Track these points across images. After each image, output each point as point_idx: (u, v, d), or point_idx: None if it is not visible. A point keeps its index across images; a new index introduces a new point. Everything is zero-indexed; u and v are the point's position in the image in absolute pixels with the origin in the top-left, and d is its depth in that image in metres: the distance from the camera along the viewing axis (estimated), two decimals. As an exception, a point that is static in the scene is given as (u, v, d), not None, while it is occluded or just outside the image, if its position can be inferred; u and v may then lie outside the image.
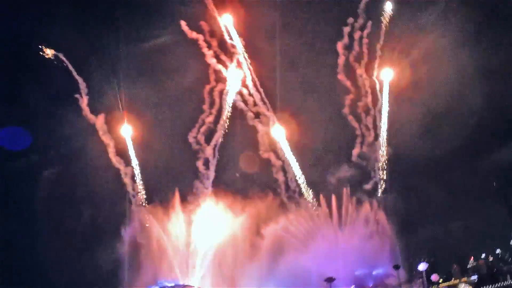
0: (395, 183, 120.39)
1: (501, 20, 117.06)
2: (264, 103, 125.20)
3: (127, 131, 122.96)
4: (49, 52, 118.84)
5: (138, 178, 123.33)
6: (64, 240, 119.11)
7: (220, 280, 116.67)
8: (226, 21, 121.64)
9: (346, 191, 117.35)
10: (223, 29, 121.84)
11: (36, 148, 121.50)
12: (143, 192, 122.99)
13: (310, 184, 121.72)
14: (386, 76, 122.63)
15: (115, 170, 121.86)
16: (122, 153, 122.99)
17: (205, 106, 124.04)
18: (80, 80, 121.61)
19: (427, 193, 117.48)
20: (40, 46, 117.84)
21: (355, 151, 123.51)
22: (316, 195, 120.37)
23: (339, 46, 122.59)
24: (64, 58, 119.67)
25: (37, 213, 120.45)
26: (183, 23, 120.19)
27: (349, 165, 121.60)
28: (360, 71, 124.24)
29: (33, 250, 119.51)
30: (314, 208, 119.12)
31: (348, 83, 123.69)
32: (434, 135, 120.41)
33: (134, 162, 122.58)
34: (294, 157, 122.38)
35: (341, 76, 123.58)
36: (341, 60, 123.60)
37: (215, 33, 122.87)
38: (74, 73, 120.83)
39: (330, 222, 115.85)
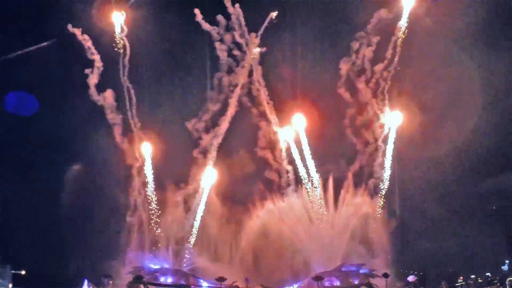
0: (395, 196, 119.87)
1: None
2: (268, 103, 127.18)
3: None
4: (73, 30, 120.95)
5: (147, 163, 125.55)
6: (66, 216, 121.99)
7: (210, 268, 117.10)
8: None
9: (349, 176, 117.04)
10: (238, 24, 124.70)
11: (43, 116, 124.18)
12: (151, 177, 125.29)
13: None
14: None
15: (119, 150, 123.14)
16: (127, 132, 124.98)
17: (212, 95, 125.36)
18: (97, 57, 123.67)
19: (426, 209, 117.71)
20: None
21: (355, 164, 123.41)
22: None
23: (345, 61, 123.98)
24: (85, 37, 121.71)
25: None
26: (197, 12, 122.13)
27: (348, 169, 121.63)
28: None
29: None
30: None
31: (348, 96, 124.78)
32: (437, 154, 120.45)
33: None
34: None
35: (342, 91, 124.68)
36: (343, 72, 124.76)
37: (230, 29, 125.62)
38: (93, 50, 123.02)
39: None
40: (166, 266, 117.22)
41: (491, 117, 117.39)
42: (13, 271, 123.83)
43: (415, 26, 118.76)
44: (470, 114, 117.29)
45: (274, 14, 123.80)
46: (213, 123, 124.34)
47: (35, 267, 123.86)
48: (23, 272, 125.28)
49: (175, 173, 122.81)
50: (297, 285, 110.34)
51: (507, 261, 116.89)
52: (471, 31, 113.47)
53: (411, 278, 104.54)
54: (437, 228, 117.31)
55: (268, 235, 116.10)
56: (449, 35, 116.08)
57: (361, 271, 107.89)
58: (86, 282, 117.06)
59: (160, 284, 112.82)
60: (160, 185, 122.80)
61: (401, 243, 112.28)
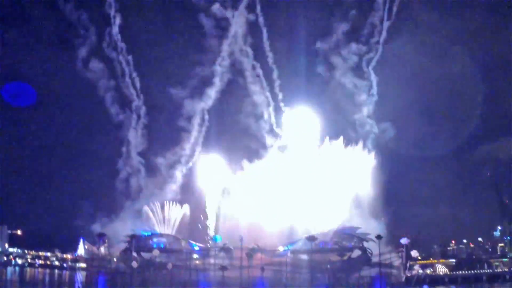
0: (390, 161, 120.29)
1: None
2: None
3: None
4: None
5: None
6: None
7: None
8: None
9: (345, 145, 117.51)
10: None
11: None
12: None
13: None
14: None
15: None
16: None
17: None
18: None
19: (421, 173, 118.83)
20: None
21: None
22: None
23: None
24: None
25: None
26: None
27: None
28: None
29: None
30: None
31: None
32: (432, 119, 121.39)
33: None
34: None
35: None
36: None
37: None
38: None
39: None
40: (157, 231, 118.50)
41: (486, 86, 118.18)
42: (10, 231, 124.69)
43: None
44: (465, 85, 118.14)
45: None
46: (200, 91, 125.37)
47: (31, 227, 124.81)
48: (19, 232, 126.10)
49: (162, 139, 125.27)
50: (292, 246, 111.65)
51: (499, 227, 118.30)
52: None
53: (403, 241, 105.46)
54: (431, 193, 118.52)
55: (264, 197, 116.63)
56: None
57: (355, 235, 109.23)
58: (82, 241, 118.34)
59: (152, 250, 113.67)
60: (147, 152, 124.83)
61: (395, 208, 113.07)
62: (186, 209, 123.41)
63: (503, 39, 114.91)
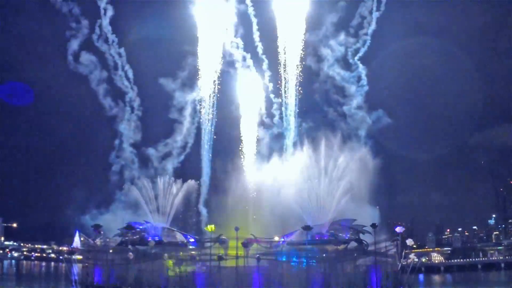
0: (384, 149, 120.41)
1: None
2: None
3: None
4: None
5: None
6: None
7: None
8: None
9: (338, 135, 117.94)
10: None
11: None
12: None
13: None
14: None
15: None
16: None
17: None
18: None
19: (415, 162, 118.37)
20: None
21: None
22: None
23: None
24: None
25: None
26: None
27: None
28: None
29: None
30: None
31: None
32: (426, 105, 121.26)
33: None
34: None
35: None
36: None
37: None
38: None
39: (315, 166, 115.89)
40: (152, 223, 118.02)
41: (479, 74, 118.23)
42: (5, 224, 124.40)
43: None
44: (458, 74, 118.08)
45: None
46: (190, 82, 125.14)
47: (27, 219, 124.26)
48: (14, 225, 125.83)
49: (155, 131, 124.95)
50: (288, 238, 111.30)
51: (493, 215, 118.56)
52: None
53: (398, 229, 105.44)
54: (426, 181, 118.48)
55: (262, 190, 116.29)
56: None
57: (351, 227, 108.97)
58: (77, 233, 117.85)
59: (147, 243, 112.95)
60: (140, 144, 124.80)
61: (390, 196, 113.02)
62: (188, 185, 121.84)
63: (497, 31, 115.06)
